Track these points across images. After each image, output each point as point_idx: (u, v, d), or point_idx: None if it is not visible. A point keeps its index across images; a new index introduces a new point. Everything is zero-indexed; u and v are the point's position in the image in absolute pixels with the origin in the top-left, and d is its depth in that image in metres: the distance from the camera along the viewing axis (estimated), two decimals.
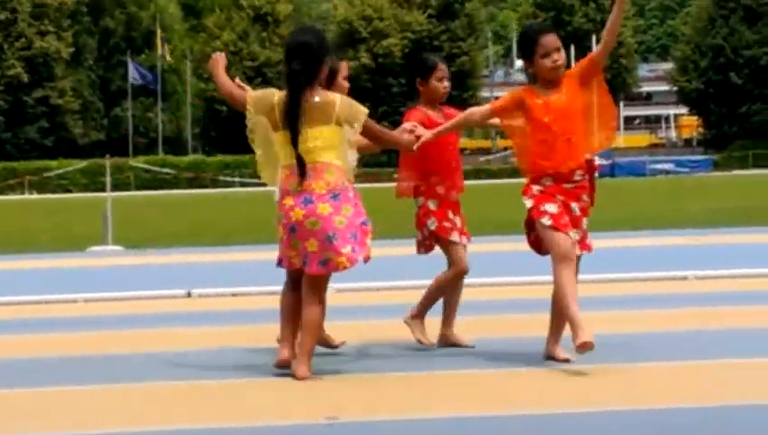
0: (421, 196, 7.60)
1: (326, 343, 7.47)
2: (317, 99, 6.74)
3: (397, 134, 7.30)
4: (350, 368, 7.00)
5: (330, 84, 7.31)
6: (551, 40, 6.85)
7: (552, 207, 6.80)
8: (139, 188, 67.62)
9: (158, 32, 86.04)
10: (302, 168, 6.67)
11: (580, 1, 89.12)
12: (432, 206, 7.54)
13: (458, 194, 7.64)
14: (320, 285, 6.78)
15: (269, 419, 5.59)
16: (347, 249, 6.61)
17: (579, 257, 6.94)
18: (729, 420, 5.37)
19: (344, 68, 7.61)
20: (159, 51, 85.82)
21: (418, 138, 7.15)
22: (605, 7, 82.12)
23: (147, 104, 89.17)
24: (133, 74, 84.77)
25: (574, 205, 6.84)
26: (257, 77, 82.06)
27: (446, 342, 7.64)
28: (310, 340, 6.72)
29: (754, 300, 9.60)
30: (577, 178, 6.86)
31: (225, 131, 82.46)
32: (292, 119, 6.70)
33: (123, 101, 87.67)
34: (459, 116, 7.38)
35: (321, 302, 6.79)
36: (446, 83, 7.67)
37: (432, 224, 7.51)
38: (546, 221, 6.79)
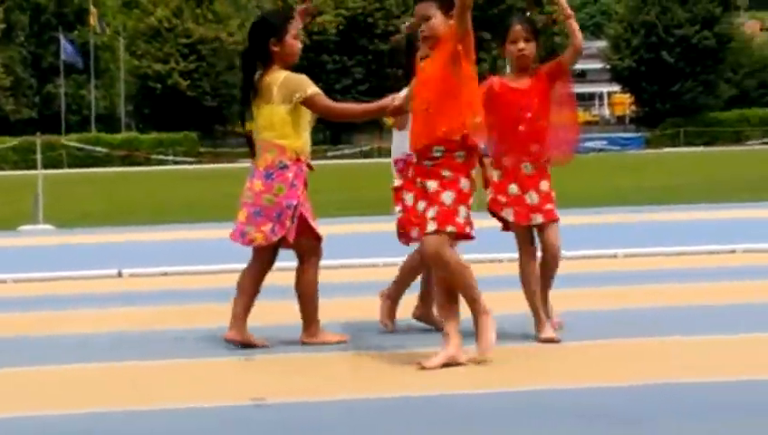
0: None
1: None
2: (267, 79, 6.98)
3: (366, 104, 7.41)
4: (279, 349, 7.00)
5: (409, 60, 7.23)
6: (420, 7, 6.47)
7: (408, 198, 6.64)
8: (71, 166, 66.93)
9: (91, 7, 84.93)
10: (251, 145, 7.08)
11: None
12: (495, 177, 7.17)
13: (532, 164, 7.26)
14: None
15: (196, 400, 5.59)
16: (267, 227, 6.88)
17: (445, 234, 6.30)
18: (665, 397, 5.41)
19: None
20: (96, 26, 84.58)
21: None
22: None
23: (80, 81, 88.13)
24: (65, 49, 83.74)
25: (430, 183, 6.31)
26: (192, 54, 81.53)
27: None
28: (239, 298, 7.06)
29: (683, 278, 9.71)
30: (436, 154, 6.32)
31: (158, 109, 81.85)
32: (243, 98, 7.14)
33: (55, 78, 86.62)
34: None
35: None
36: (521, 45, 7.16)
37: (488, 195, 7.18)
38: (398, 213, 6.92)
